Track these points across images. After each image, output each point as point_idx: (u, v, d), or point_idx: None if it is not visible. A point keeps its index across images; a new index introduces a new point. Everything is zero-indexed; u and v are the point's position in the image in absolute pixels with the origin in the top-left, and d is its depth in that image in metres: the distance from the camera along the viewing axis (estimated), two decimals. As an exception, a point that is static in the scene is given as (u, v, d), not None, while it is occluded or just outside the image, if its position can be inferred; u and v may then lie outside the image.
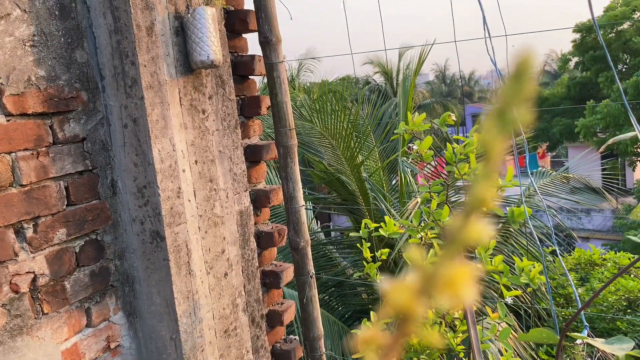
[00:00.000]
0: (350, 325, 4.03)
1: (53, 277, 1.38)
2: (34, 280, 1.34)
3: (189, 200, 1.56)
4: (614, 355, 0.90)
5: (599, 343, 0.89)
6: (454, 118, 1.71)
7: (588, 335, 1.07)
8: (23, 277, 1.32)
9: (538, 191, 2.85)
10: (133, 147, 1.48)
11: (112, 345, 1.52)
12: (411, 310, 0.20)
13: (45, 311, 1.36)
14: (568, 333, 1.05)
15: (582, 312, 1.27)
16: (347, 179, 4.83)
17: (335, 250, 4.94)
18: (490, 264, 1.55)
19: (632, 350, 0.85)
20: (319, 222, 5.82)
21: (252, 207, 1.90)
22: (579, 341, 1.12)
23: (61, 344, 1.39)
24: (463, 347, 1.54)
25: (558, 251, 2.23)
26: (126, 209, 1.52)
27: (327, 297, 4.54)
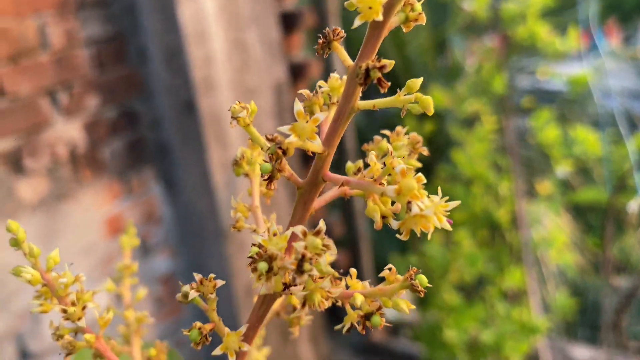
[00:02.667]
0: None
1: (91, 145, 1.45)
2: (73, 148, 1.42)
3: (222, 69, 1.56)
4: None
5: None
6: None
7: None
8: (62, 144, 1.39)
9: (605, 67, 2.70)
10: (160, 12, 1.47)
11: (153, 215, 1.63)
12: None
13: (86, 178, 1.45)
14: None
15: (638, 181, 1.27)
16: (389, 58, 4.67)
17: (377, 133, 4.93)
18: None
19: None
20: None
21: (288, 80, 1.89)
22: (631, 207, 1.13)
23: (103, 210, 1.49)
24: (508, 219, 1.57)
25: (623, 133, 2.16)
26: (158, 77, 1.55)
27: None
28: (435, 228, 0.31)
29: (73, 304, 0.35)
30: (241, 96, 1.63)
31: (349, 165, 0.28)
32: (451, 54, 4.13)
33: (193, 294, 0.32)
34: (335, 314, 2.16)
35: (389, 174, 0.23)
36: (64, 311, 0.35)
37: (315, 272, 0.22)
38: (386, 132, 0.27)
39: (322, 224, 0.22)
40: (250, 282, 1.75)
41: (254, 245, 0.25)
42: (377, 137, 0.28)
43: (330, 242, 0.23)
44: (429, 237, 0.23)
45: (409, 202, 0.22)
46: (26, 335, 1.36)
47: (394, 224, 0.23)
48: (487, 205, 1.58)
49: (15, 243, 0.35)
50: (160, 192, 1.64)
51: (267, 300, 0.31)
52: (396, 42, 4.45)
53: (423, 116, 1.80)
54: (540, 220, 1.73)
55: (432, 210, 0.22)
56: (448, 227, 0.23)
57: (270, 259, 0.24)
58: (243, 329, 0.32)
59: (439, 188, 0.23)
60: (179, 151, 1.60)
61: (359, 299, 0.28)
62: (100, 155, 1.48)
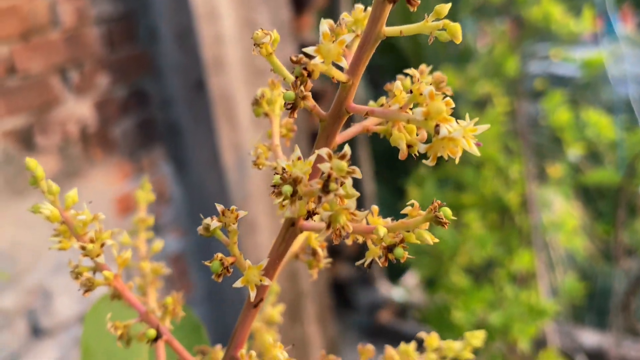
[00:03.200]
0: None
1: (101, 124, 1.46)
2: (84, 127, 1.42)
3: (232, 49, 1.56)
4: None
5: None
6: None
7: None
8: (73, 123, 1.40)
9: (620, 52, 2.66)
10: (171, -10, 1.46)
11: (163, 195, 1.64)
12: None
13: (97, 157, 1.46)
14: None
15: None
16: (400, 44, 4.65)
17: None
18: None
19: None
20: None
21: (298, 61, 1.89)
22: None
23: (114, 189, 1.50)
24: (518, 202, 1.57)
25: (638, 119, 2.13)
26: (168, 57, 1.55)
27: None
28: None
29: (92, 241, 0.35)
30: (251, 76, 1.63)
31: (371, 103, 0.28)
32: (462, 37, 4.08)
33: (215, 224, 0.32)
34: (342, 296, 2.17)
35: (415, 102, 0.23)
36: (83, 248, 0.35)
37: (341, 192, 0.22)
38: (409, 71, 0.27)
39: (347, 149, 0.22)
40: (258, 260, 1.76)
41: (276, 173, 0.25)
42: (400, 76, 0.28)
43: (355, 167, 0.23)
44: (456, 161, 0.23)
45: (437, 125, 0.22)
46: (38, 312, 1.38)
47: (422, 147, 0.23)
48: (497, 188, 1.58)
49: (34, 181, 0.35)
50: (170, 172, 1.65)
51: (287, 236, 0.31)
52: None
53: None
54: (550, 204, 1.72)
55: (461, 133, 0.22)
56: (476, 151, 0.23)
57: (295, 182, 0.24)
58: (264, 263, 0.32)
59: (467, 115, 0.23)
60: (189, 131, 1.61)
61: (382, 231, 0.28)
62: (111, 135, 1.49)
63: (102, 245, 0.36)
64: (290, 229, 0.31)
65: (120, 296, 0.38)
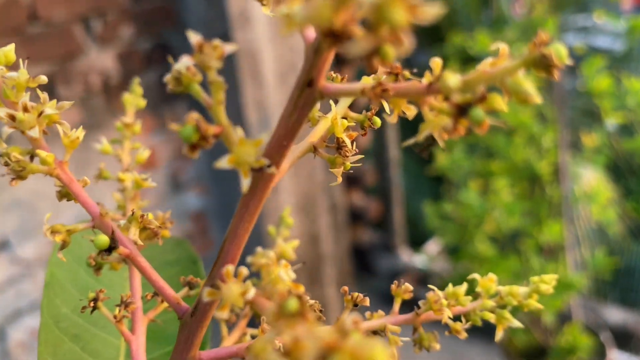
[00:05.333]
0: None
1: (124, 76, 1.41)
2: (106, 78, 1.38)
3: (259, 4, 1.49)
4: None
5: None
6: None
7: None
8: (95, 73, 1.36)
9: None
10: (198, -62, 1.40)
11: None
12: None
13: (120, 110, 1.42)
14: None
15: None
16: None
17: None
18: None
19: None
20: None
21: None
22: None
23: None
24: (549, 171, 1.49)
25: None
26: (193, 9, 1.49)
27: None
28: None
29: (25, 109, 0.26)
30: (277, 32, 1.56)
31: None
32: (496, 5, 3.93)
33: (185, 63, 0.20)
34: (363, 261, 2.13)
35: None
36: (11, 117, 0.25)
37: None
38: None
39: None
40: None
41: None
42: None
43: None
44: None
45: None
46: (59, 262, 1.37)
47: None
48: (529, 156, 1.50)
49: None
50: (193, 128, 1.61)
51: (301, 102, 0.20)
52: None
53: (467, 60, 1.71)
54: (581, 176, 1.64)
55: None
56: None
57: None
58: (264, 137, 0.21)
59: None
60: (212, 87, 1.56)
61: (453, 81, 0.18)
62: (134, 87, 1.45)
63: (40, 114, 0.25)
64: (306, 90, 0.20)
65: (68, 193, 0.28)
